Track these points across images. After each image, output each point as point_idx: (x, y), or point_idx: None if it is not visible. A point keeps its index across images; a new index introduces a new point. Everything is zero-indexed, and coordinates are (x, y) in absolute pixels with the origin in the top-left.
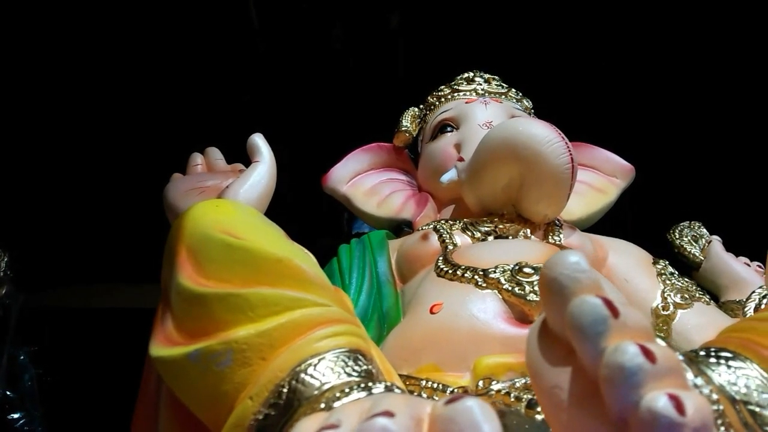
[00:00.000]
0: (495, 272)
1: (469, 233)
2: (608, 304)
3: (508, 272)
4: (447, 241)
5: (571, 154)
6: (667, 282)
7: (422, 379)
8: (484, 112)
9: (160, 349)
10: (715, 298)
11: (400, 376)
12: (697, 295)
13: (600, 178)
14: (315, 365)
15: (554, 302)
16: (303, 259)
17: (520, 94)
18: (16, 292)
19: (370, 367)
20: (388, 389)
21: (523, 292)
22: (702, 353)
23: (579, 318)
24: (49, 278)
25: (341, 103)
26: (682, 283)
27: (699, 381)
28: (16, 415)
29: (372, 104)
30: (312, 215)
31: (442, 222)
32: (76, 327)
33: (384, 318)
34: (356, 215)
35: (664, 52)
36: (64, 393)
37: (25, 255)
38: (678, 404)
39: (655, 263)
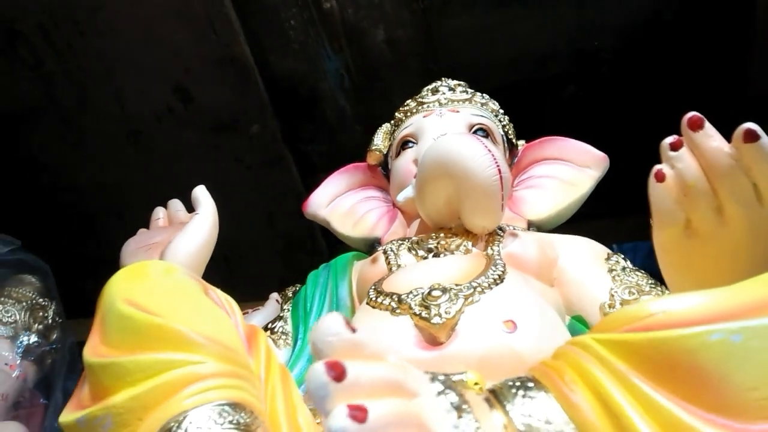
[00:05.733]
0: (408, 297)
1: (414, 252)
2: (333, 368)
3: (420, 296)
4: (392, 262)
5: (498, 166)
6: (617, 278)
7: None
8: (438, 124)
9: (65, 413)
10: None
11: None
12: (647, 289)
13: (571, 171)
14: (180, 422)
15: None
16: (192, 320)
17: (486, 97)
18: (64, 336)
19: (237, 417)
20: None
21: (428, 316)
22: (509, 383)
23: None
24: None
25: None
26: (633, 278)
27: (466, 421)
28: None
29: None
30: None
31: (392, 243)
32: None
33: None
34: (338, 237)
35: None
36: None
37: (78, 288)
38: None
39: (608, 259)
